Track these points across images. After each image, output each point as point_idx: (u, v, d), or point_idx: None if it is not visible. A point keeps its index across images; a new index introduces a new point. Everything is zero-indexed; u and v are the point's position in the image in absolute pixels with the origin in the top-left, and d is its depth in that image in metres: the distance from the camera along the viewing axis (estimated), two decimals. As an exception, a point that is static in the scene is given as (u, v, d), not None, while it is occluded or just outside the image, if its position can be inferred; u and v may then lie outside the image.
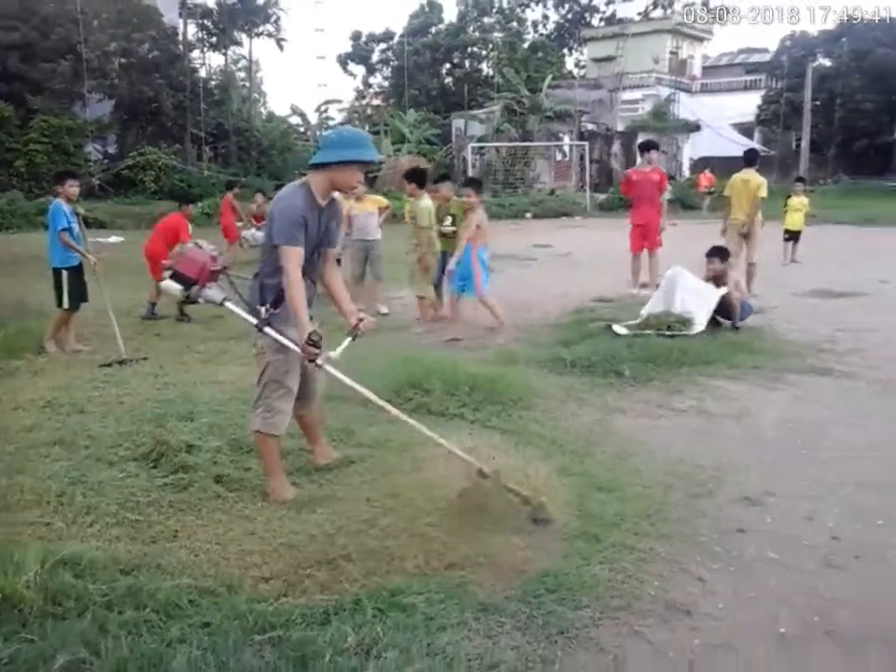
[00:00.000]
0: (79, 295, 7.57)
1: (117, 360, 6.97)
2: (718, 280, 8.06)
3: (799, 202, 14.28)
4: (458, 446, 3.79)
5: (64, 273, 7.42)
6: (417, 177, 8.89)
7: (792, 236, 14.09)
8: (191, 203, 10.41)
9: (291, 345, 3.83)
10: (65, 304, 7.42)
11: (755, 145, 36.01)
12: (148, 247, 9.57)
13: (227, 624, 2.80)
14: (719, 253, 8.15)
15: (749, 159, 10.70)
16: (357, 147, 3.87)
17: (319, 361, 3.72)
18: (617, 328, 7.59)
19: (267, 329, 3.85)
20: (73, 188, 7.53)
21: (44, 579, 2.98)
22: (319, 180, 3.87)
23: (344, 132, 4.49)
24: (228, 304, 3.99)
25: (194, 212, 11.02)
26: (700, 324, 7.50)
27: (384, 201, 10.06)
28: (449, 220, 8.63)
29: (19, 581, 2.92)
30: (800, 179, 15.98)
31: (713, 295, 7.81)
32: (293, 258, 3.76)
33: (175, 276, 4.03)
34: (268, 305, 3.88)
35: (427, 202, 8.72)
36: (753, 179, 10.23)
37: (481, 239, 7.89)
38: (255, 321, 3.87)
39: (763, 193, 10.17)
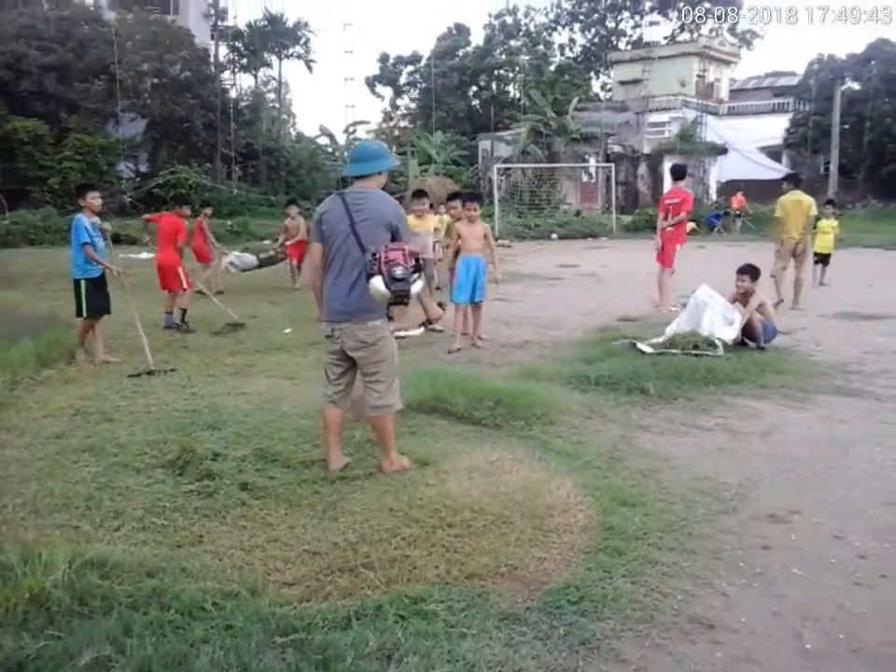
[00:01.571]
0: (99, 306, 7.72)
1: (145, 371, 7.07)
2: (745, 298, 8.03)
3: (828, 224, 14.16)
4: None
5: (83, 283, 7.60)
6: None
7: (822, 259, 13.97)
8: (187, 205, 10.36)
9: (412, 333, 4.54)
10: (84, 314, 7.60)
11: (783, 168, 35.98)
12: (161, 258, 9.72)
13: (250, 626, 2.83)
14: (750, 271, 8.12)
15: (797, 181, 11.56)
16: (388, 156, 4.60)
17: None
18: (642, 346, 7.56)
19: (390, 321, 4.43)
20: (94, 199, 7.71)
21: (71, 579, 3.02)
22: (376, 186, 4.45)
23: (375, 144, 4.84)
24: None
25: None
26: (718, 346, 7.48)
27: (437, 220, 9.98)
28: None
29: (47, 580, 2.97)
30: (830, 202, 15.86)
31: (740, 319, 7.80)
32: None
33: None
34: None
35: None
36: (804, 199, 10.95)
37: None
38: (389, 314, 4.32)
39: (815, 211, 11.06)
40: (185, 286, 9.63)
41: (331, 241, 4.32)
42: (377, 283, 4.00)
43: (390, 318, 4.35)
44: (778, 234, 11.24)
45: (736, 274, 8.21)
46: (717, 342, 7.49)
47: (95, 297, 7.64)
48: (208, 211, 13.97)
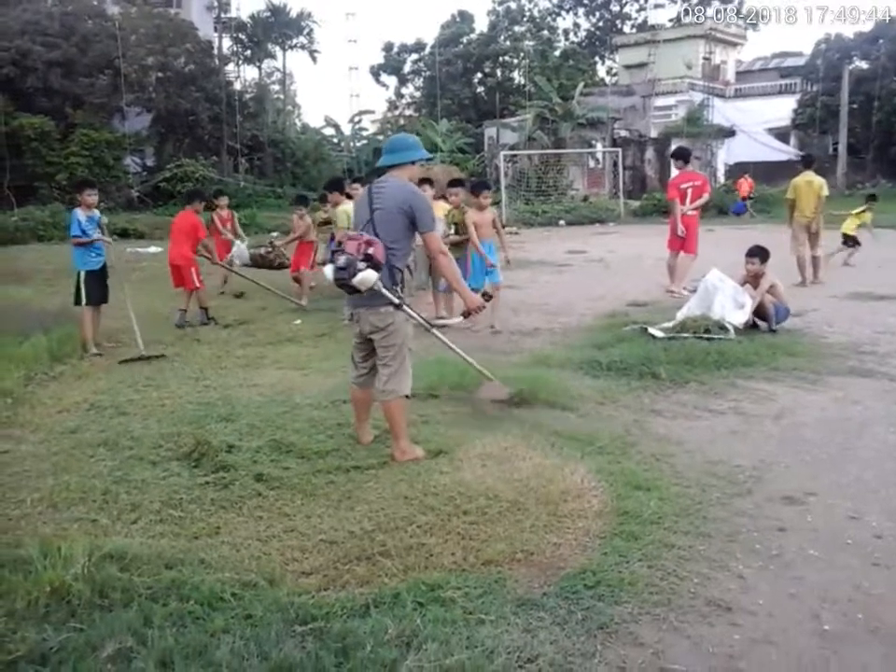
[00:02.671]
0: (97, 295, 7.99)
1: (136, 357, 7.34)
2: (756, 280, 8.01)
3: (864, 215, 14.01)
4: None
5: (83, 273, 7.90)
6: (337, 186, 9.91)
7: (848, 240, 13.80)
8: (200, 201, 10.02)
9: (420, 319, 4.63)
10: (83, 301, 7.87)
11: (791, 149, 35.74)
12: (174, 255, 9.59)
13: (269, 616, 2.85)
14: (760, 253, 8.08)
15: (808, 162, 11.96)
16: (422, 147, 4.66)
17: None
18: (653, 330, 7.55)
19: (405, 308, 4.43)
20: (90, 196, 7.97)
21: (91, 572, 3.06)
22: (408, 177, 4.57)
23: (410, 136, 4.89)
24: (383, 289, 4.33)
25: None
26: (728, 328, 7.49)
27: (447, 206, 9.87)
28: (452, 229, 8.86)
29: (67, 573, 3.01)
30: (871, 197, 15.35)
31: (750, 303, 7.80)
32: (441, 240, 4.57)
33: (374, 265, 4.23)
34: (400, 286, 4.43)
35: (344, 206, 9.19)
36: (815, 180, 11.28)
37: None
38: (396, 301, 4.37)
39: (826, 192, 11.32)
40: (197, 284, 9.47)
41: (356, 229, 4.53)
42: (327, 269, 4.35)
43: (397, 307, 4.37)
44: (790, 214, 11.46)
45: (746, 257, 8.18)
46: (728, 325, 7.47)
47: (94, 287, 7.92)
48: (223, 202, 12.69)
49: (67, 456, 4.67)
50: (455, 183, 9.22)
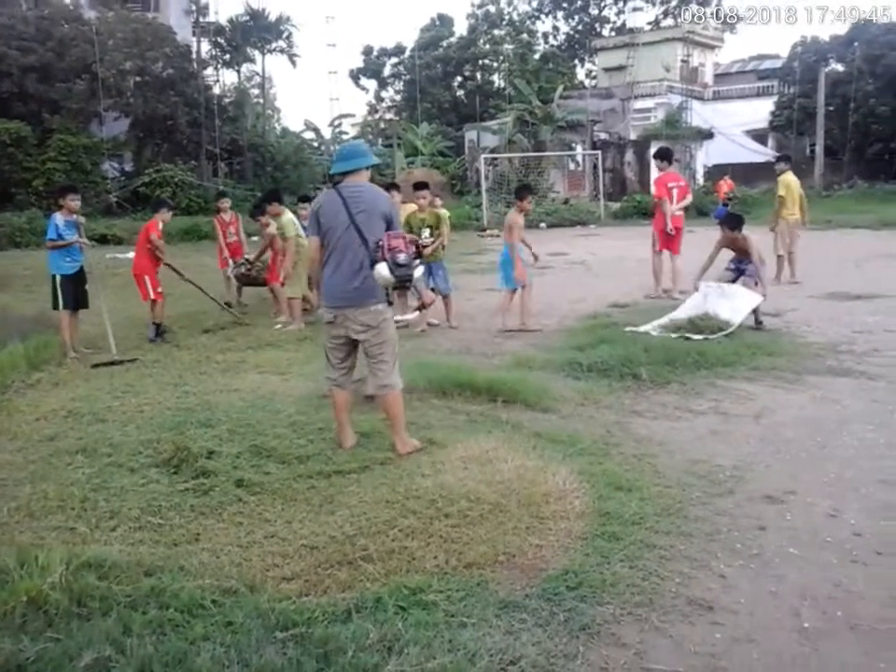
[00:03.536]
0: (74, 299, 8.01)
1: (108, 361, 7.37)
2: (736, 245, 8.52)
3: None
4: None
5: (58, 278, 7.91)
6: (277, 197, 10.00)
7: None
8: (165, 209, 9.27)
9: (408, 317, 4.97)
10: (60, 305, 7.89)
11: (769, 151, 35.98)
12: (133, 263, 9.04)
13: (249, 622, 2.83)
14: (730, 221, 8.50)
15: (789, 160, 12.73)
16: (371, 154, 4.87)
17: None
18: (653, 331, 7.74)
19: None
20: (73, 201, 7.96)
21: (69, 580, 3.03)
22: (364, 181, 4.73)
23: (359, 142, 5.17)
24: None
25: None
26: (733, 324, 7.70)
27: (413, 207, 9.82)
28: (427, 232, 8.90)
29: (44, 582, 2.98)
30: None
31: (737, 297, 8.02)
32: None
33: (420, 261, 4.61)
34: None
35: (288, 216, 9.48)
36: (796, 179, 12.11)
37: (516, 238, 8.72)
38: (390, 299, 4.63)
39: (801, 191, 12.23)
40: (152, 295, 8.64)
41: (331, 233, 4.55)
42: (382, 269, 4.31)
43: (390, 303, 4.61)
44: (780, 213, 11.80)
45: (719, 226, 8.75)
46: (730, 321, 7.70)
47: (70, 291, 7.93)
48: (225, 204, 11.90)
49: (45, 464, 4.63)
50: (420, 186, 9.30)
